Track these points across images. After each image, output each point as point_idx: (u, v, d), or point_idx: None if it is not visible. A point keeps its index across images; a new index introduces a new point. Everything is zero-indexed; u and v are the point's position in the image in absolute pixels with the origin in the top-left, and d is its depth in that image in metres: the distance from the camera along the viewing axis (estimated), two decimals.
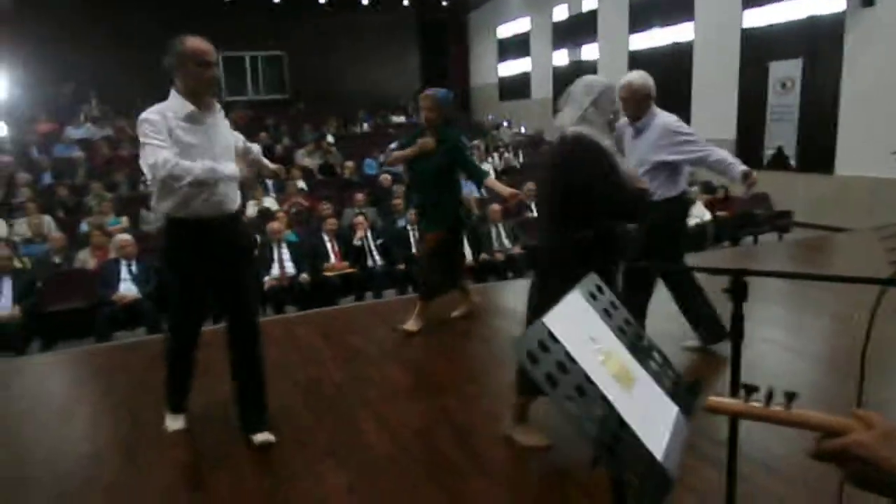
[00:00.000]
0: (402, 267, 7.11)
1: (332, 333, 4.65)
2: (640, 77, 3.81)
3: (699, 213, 9.01)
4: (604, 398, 1.06)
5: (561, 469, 2.72)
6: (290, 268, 6.65)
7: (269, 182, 9.33)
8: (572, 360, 1.07)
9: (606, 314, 1.31)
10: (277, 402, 3.26)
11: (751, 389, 0.90)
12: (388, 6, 19.44)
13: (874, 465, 0.84)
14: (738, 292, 1.45)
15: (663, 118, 3.71)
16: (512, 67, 18.83)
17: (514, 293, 5.27)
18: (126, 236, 6.33)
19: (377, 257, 7.40)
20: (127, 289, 5.93)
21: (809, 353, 4.01)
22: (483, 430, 3.08)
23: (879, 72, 8.49)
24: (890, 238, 1.33)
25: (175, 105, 2.73)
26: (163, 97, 2.78)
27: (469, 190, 9.48)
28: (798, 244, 7.94)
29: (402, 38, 20.89)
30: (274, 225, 6.81)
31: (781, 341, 4.11)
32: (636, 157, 3.68)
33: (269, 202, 8.94)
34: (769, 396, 0.90)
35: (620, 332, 1.29)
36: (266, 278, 6.40)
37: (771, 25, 10.18)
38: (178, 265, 2.88)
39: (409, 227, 7.42)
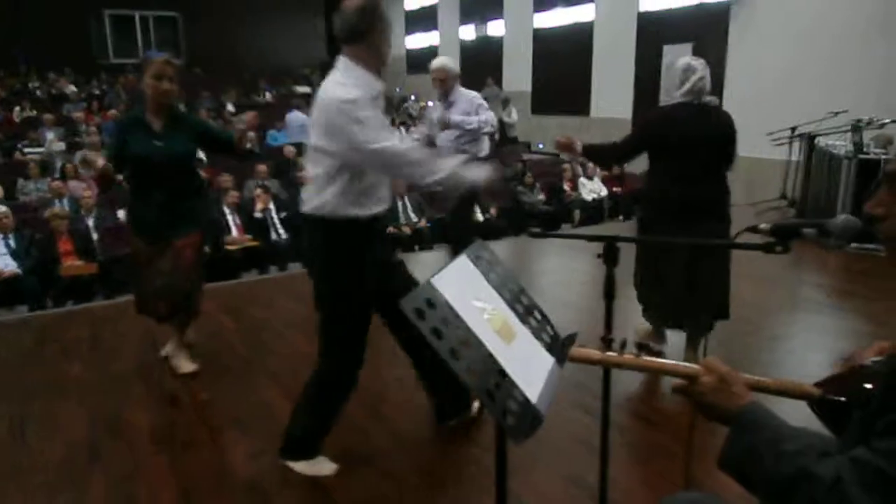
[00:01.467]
0: None
1: (234, 307, 4.59)
2: (451, 61, 4.83)
3: (596, 189, 9.45)
4: (483, 349, 1.17)
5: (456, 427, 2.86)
6: None
7: None
8: (457, 315, 1.17)
9: (491, 276, 1.42)
10: (180, 378, 3.22)
11: (608, 341, 1.04)
12: None
13: (713, 402, 1.06)
14: (610, 256, 1.61)
15: (468, 93, 4.79)
16: (420, 40, 18.76)
17: (421, 265, 5.38)
18: (2, 208, 5.92)
19: (281, 230, 7.30)
20: (4, 264, 5.56)
21: None
22: (391, 395, 3.19)
23: (757, 56, 9.17)
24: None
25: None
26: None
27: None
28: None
29: (307, 6, 20.29)
30: None
31: None
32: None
33: None
34: (623, 345, 1.04)
35: (503, 293, 1.41)
36: None
37: (665, 11, 10.71)
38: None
39: None
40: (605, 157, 3.79)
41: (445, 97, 4.70)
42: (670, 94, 3.21)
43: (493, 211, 8.24)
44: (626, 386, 3.19)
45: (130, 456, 2.67)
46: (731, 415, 1.03)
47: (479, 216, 7.74)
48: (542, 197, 9.23)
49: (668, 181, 3.13)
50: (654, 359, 1.04)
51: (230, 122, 11.93)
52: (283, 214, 7.38)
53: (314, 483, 2.46)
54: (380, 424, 2.93)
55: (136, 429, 2.88)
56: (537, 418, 1.15)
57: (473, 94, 4.81)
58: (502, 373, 1.19)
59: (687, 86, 3.11)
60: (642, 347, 1.13)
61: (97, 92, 15.11)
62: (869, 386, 1.10)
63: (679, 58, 3.33)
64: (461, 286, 1.28)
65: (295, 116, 11.56)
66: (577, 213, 9.02)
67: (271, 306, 4.63)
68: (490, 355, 1.19)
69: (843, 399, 1.14)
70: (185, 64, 17.76)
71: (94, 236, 6.54)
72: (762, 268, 5.43)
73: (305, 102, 13.18)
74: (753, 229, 1.34)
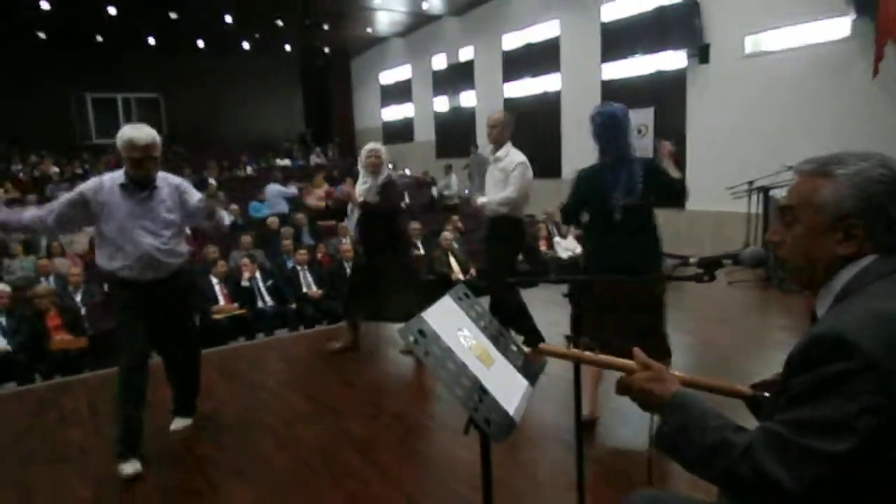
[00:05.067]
0: (293, 306, 7.24)
1: (227, 369, 4.74)
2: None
3: (571, 247, 9.82)
4: (467, 371, 1.40)
5: (452, 460, 3.03)
6: None
7: None
8: (444, 343, 1.41)
9: (472, 313, 1.67)
10: (177, 435, 3.35)
11: (571, 339, 1.28)
12: (271, 51, 19.58)
13: (647, 395, 1.27)
14: (575, 295, 1.86)
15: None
16: (395, 112, 19.49)
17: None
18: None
19: (267, 298, 7.49)
20: None
21: None
22: (383, 442, 3.35)
23: (715, 117, 9.78)
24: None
25: None
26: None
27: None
28: None
29: (285, 82, 21.06)
30: None
31: None
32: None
33: None
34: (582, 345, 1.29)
35: (483, 327, 1.65)
36: None
37: (626, 78, 11.40)
38: None
39: (297, 268, 7.59)
40: None
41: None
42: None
43: (472, 271, 8.52)
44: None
45: None
46: (664, 401, 1.25)
47: (460, 276, 8.00)
48: (519, 256, 9.53)
49: None
50: (602, 356, 1.29)
51: (214, 196, 12.26)
52: (270, 282, 7.58)
53: None
54: (375, 469, 3.08)
55: (141, 488, 2.99)
56: (512, 425, 1.38)
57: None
58: (484, 390, 1.42)
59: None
60: (594, 349, 1.39)
61: (80, 171, 15.41)
62: None
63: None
64: (447, 320, 1.52)
65: (272, 188, 11.99)
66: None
67: (263, 368, 4.78)
68: (473, 375, 1.42)
69: (767, 395, 1.37)
70: (167, 142, 18.26)
71: (83, 311, 6.67)
72: (728, 313, 5.74)
73: (283, 174, 13.61)
74: (685, 263, 1.60)
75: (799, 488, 1.01)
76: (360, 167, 4.92)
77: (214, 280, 7.21)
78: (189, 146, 17.90)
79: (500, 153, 4.65)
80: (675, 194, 3.22)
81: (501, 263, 4.74)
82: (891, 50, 7.34)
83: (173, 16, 14.57)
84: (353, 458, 3.17)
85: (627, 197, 3.12)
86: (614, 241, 3.11)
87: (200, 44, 18.06)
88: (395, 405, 3.93)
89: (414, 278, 5.12)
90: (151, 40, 17.15)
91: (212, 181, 14.08)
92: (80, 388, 4.54)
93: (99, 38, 16.57)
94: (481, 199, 4.72)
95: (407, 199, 11.22)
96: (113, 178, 3.15)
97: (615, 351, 3.47)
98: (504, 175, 4.60)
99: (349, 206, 4.99)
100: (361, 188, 4.78)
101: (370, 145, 4.88)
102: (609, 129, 3.24)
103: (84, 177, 14.79)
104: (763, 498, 1.05)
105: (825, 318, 1.15)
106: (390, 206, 4.79)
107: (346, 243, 8.01)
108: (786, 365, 1.14)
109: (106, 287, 6.80)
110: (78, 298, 6.83)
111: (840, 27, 8.15)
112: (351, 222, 4.99)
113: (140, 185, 3.12)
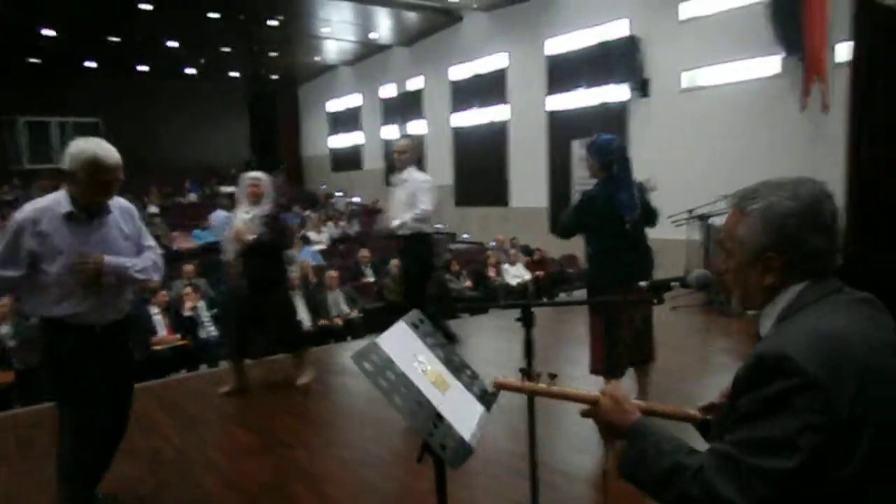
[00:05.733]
0: None
1: (168, 402, 4.55)
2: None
3: (519, 273, 9.92)
4: (422, 396, 1.39)
5: (407, 491, 2.97)
6: None
7: None
8: (398, 368, 1.40)
9: (426, 339, 1.66)
10: (118, 473, 3.18)
11: (526, 372, 1.28)
12: (215, 76, 19.35)
13: (610, 420, 1.29)
14: (527, 320, 1.87)
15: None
16: (343, 140, 19.47)
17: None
18: None
19: (211, 328, 7.27)
20: None
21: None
22: (332, 475, 3.26)
23: (655, 148, 10.13)
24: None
25: None
26: None
27: (305, 258, 9.65)
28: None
29: (231, 108, 20.79)
30: None
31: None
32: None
33: None
34: (538, 375, 1.29)
35: (437, 353, 1.64)
36: None
37: (570, 109, 11.73)
38: None
39: None
40: None
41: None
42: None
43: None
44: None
45: None
46: (626, 429, 1.27)
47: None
48: (468, 284, 9.60)
49: None
50: (565, 388, 1.29)
51: (154, 224, 11.89)
52: (214, 311, 7.37)
53: None
54: (326, 502, 3.00)
55: None
56: (469, 451, 1.37)
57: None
58: (439, 416, 1.40)
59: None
60: (553, 377, 1.38)
61: (9, 198, 14.75)
62: None
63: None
64: (401, 345, 1.51)
65: (218, 215, 11.69)
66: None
67: (206, 401, 4.62)
68: (428, 401, 1.40)
69: (711, 418, 1.41)
70: None
71: (11, 344, 6.33)
72: (673, 337, 5.88)
73: (230, 201, 13.33)
74: (636, 287, 1.64)
75: None
76: (238, 196, 4.71)
77: (155, 310, 6.97)
78: (130, 172, 17.34)
79: (403, 175, 5.15)
80: (652, 215, 3.77)
81: (417, 279, 5.21)
82: (816, 87, 7.82)
83: (114, 39, 14.26)
84: (303, 493, 3.08)
85: (634, 213, 3.56)
86: (628, 253, 3.55)
87: (143, 68, 17.70)
88: (347, 436, 3.85)
89: (289, 317, 4.83)
90: (91, 63, 16.71)
91: (153, 208, 13.70)
92: (8, 425, 4.28)
93: (34, 60, 16.04)
94: (395, 222, 5.09)
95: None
96: (49, 208, 2.55)
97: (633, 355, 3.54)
98: (408, 196, 5.05)
99: (224, 237, 4.65)
100: (244, 218, 4.46)
101: (251, 174, 4.65)
102: (622, 154, 3.60)
103: (14, 203, 14.16)
104: None
105: (768, 339, 1.19)
106: (280, 240, 4.61)
107: (294, 271, 7.90)
108: (732, 385, 1.17)
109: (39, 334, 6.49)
110: (4, 331, 6.48)
111: (771, 65, 8.63)
112: (227, 253, 4.55)
113: (90, 214, 2.61)
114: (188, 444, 3.78)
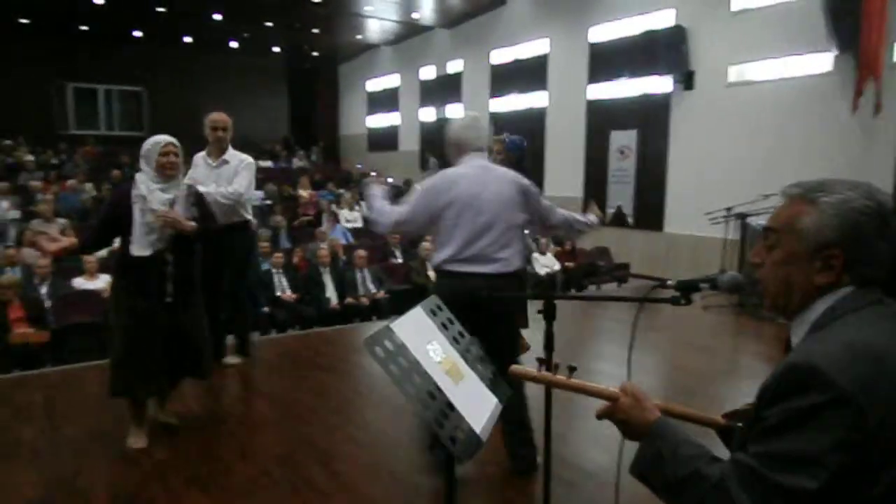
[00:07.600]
0: (266, 309, 7.12)
1: None
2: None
3: (549, 263, 9.82)
4: (434, 385, 1.35)
5: (419, 477, 2.97)
6: None
7: None
8: (412, 355, 1.36)
9: (444, 328, 1.62)
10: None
11: (543, 362, 1.24)
12: (258, 51, 19.47)
13: (628, 423, 1.24)
14: (549, 312, 1.82)
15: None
16: (381, 120, 19.45)
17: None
18: None
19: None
20: None
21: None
22: (345, 454, 3.27)
23: (696, 143, 9.90)
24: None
25: None
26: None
27: (336, 236, 9.70)
28: (632, 291, 8.91)
29: (271, 83, 20.92)
30: None
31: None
32: None
33: None
34: (556, 367, 1.25)
35: (454, 342, 1.61)
36: None
37: (611, 99, 11.50)
38: None
39: (272, 271, 7.48)
40: None
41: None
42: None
43: None
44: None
45: None
46: (644, 428, 1.22)
47: None
48: None
49: None
50: (584, 382, 1.24)
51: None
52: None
53: None
54: (338, 482, 3.00)
55: (92, 491, 2.89)
56: (479, 444, 1.33)
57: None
58: (451, 406, 1.37)
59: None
60: (573, 370, 1.32)
61: (55, 162, 15.10)
62: None
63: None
64: (417, 332, 1.47)
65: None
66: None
67: (230, 371, 4.67)
68: (439, 390, 1.37)
69: (740, 425, 1.34)
70: (149, 136, 17.98)
71: (48, 304, 6.49)
72: (702, 338, 5.75)
73: (264, 175, 13.44)
74: (663, 285, 1.58)
75: None
76: (143, 166, 3.36)
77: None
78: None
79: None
80: None
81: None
82: (869, 87, 7.49)
83: (161, 9, 14.42)
84: (315, 469, 3.10)
85: None
86: None
87: (187, 39, 17.90)
88: (364, 416, 3.86)
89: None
90: (137, 33, 16.96)
91: None
92: (37, 384, 4.39)
93: (84, 28, 16.34)
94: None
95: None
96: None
97: None
98: None
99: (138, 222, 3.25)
100: (162, 198, 3.27)
101: (163, 137, 3.41)
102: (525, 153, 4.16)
103: (60, 167, 14.50)
104: None
105: (800, 348, 1.13)
106: (213, 223, 3.59)
107: (324, 248, 7.94)
108: (759, 395, 1.12)
109: (77, 282, 6.62)
110: (44, 291, 6.65)
111: (822, 62, 8.31)
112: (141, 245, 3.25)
113: None
114: (209, 413, 3.83)
